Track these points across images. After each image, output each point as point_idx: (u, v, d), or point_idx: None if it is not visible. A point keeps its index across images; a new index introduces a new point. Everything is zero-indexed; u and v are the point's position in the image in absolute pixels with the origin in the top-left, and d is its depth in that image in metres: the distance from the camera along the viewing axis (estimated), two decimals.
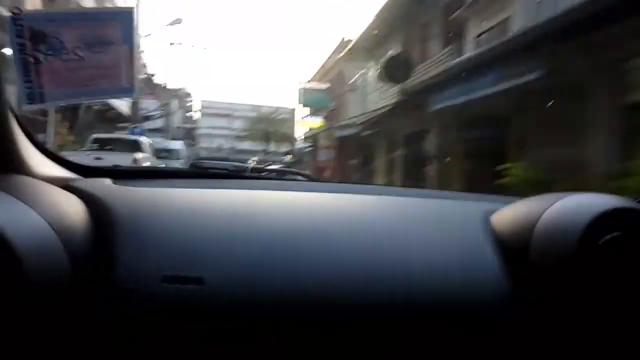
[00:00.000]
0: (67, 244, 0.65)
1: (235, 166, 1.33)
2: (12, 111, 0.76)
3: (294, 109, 49.43)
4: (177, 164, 16.78)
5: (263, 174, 1.42)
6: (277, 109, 43.79)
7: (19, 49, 0.73)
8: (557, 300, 0.68)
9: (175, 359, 0.69)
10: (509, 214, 0.82)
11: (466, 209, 0.92)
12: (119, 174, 1.00)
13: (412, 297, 0.71)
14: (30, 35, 0.72)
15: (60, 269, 0.63)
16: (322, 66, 30.51)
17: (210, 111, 53.25)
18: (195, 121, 56.02)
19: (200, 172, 1.24)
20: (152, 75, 29.13)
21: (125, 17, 0.76)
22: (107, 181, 0.94)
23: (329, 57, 30.07)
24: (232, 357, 0.70)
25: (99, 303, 0.68)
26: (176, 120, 60.39)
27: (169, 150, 18.62)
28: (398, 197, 0.99)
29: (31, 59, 0.74)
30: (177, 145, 19.78)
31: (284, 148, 44.24)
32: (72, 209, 0.76)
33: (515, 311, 0.71)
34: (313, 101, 25.92)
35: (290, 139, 42.80)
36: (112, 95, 0.84)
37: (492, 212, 0.85)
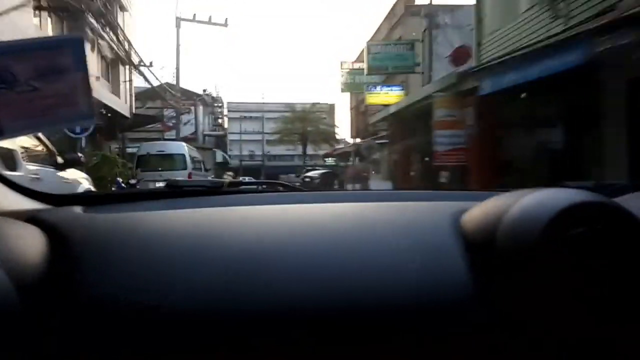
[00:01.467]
0: (16, 278, 0.64)
1: (212, 182, 1.22)
2: None
3: (333, 105, 43.93)
4: (180, 175, 11.39)
5: (241, 187, 1.32)
6: (314, 104, 38.05)
7: None
8: (522, 298, 0.69)
9: None
10: (477, 213, 0.82)
11: (437, 209, 0.93)
12: (92, 200, 1.02)
13: (377, 305, 0.72)
14: None
15: (8, 305, 0.62)
16: (372, 39, 24.88)
17: (238, 114, 48.26)
18: (225, 127, 51.52)
19: (177, 191, 1.17)
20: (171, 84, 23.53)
21: (75, 43, 0.77)
22: (77, 209, 0.92)
23: (379, 28, 24.49)
24: None
25: (54, 337, 0.67)
26: (205, 127, 56.85)
27: (163, 157, 12.97)
28: (372, 203, 1.02)
29: None
30: (179, 148, 13.61)
31: (323, 150, 39.34)
32: (29, 242, 0.76)
33: (482, 312, 0.72)
34: (390, 60, 16.97)
35: (331, 138, 37.62)
36: (72, 123, 0.84)
37: (463, 211, 0.86)
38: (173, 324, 0.68)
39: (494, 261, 0.71)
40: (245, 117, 47.53)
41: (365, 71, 18.06)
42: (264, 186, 1.51)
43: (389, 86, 18.99)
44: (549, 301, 0.65)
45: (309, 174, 24.95)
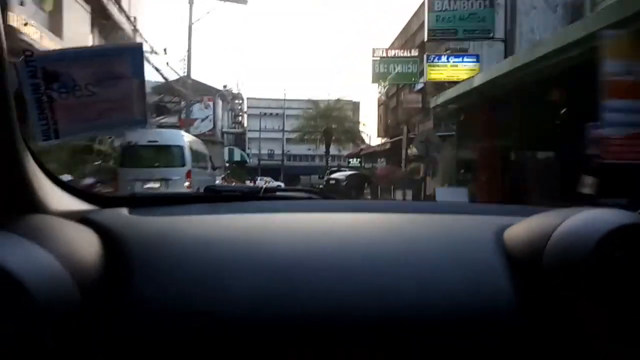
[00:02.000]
0: (78, 279, 0.67)
1: (249, 188, 1.32)
2: (28, 148, 0.81)
3: (357, 102, 41.31)
4: (176, 174, 8.93)
5: (276, 193, 1.31)
6: (337, 100, 35.41)
7: (33, 89, 0.77)
8: (570, 318, 0.69)
9: None
10: (522, 230, 0.82)
11: (479, 224, 0.92)
12: (135, 202, 1.03)
13: (420, 320, 0.72)
14: (43, 75, 0.77)
15: (71, 302, 0.66)
16: (404, 30, 22.27)
17: (258, 111, 45.96)
18: (244, 125, 49.36)
19: (215, 195, 1.19)
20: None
21: (135, 52, 0.80)
22: (124, 211, 0.96)
23: (412, 18, 21.90)
24: None
25: (109, 337, 0.70)
26: (224, 124, 54.88)
27: (156, 149, 9.92)
28: (409, 215, 1.01)
29: (45, 98, 0.77)
30: (176, 138, 10.65)
31: (347, 150, 36.76)
32: (85, 243, 0.79)
33: (528, 331, 0.71)
34: (461, 21, 12.04)
35: (356, 137, 35.02)
36: (125, 127, 0.89)
37: (506, 227, 0.86)
38: (218, 329, 0.70)
39: (539, 280, 0.70)
40: (265, 114, 45.19)
41: (425, 36, 13.22)
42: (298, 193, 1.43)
43: (459, 56, 14.09)
44: (597, 322, 0.65)
45: (334, 175, 22.27)
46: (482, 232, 0.85)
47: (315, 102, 35.99)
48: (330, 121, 33.46)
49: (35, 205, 0.82)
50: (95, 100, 0.78)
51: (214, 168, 11.69)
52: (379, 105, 34.65)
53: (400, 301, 0.72)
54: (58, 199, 0.89)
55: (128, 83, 0.79)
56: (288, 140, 42.93)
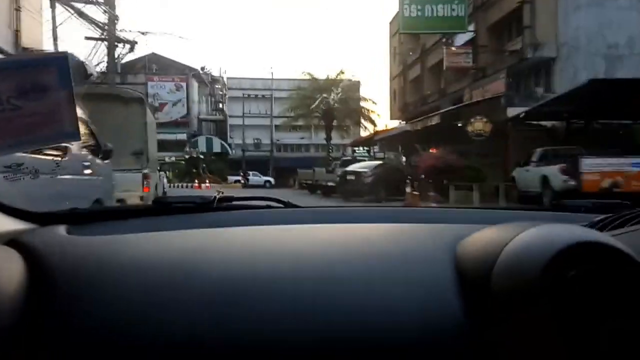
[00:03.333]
0: None
1: (202, 198, 1.15)
2: None
3: (358, 82, 34.11)
4: None
5: (232, 203, 1.23)
6: (340, 73, 28.36)
7: None
8: (518, 340, 0.67)
9: None
10: (473, 245, 0.81)
11: (436, 235, 0.92)
12: (76, 219, 0.99)
13: (367, 338, 0.71)
14: None
15: None
16: None
17: (241, 93, 38.65)
18: (225, 112, 42.17)
19: (164, 208, 1.14)
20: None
21: (61, 61, 0.77)
22: (61, 230, 0.91)
23: None
24: None
25: None
26: (200, 110, 47.44)
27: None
28: (369, 225, 1.02)
29: None
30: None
31: (351, 138, 29.97)
32: (9, 271, 0.72)
33: (475, 350, 0.71)
34: None
35: (365, 118, 28.22)
36: (56, 141, 0.83)
37: (462, 238, 0.85)
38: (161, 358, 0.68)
39: (489, 301, 0.69)
40: (249, 96, 37.96)
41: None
42: (257, 202, 1.31)
43: None
44: (544, 347, 0.64)
45: (353, 167, 15.09)
46: (437, 246, 0.85)
47: (311, 77, 28.90)
48: (330, 99, 26.36)
49: None
50: (20, 115, 0.73)
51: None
52: (391, 79, 27.97)
53: (349, 324, 0.71)
54: None
55: (56, 94, 0.75)
56: (277, 127, 35.96)
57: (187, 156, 34.49)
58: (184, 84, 37.82)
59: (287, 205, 1.27)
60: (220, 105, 45.35)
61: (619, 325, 0.62)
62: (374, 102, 29.21)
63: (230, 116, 38.73)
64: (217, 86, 47.79)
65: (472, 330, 0.70)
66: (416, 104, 21.91)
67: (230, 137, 38.15)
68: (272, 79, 38.22)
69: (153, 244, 0.86)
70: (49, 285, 0.72)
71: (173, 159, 34.23)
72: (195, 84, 40.11)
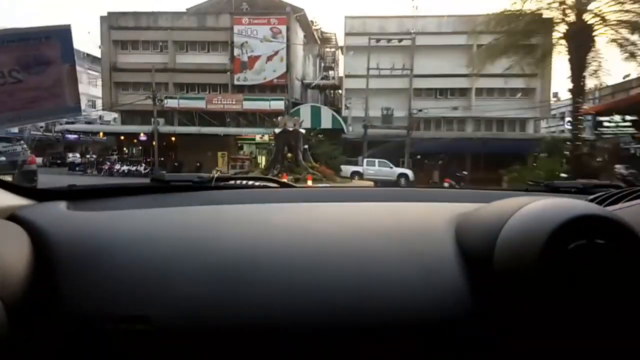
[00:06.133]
0: (3, 290, 0.64)
1: (199, 177, 1.12)
2: None
3: None
4: None
5: (230, 182, 1.23)
6: None
7: None
8: (521, 312, 0.68)
9: None
10: (474, 219, 0.81)
11: (436, 212, 0.90)
12: (75, 195, 0.99)
13: (371, 315, 0.71)
14: None
15: None
16: None
17: (364, 39, 25.75)
18: (335, 78, 30.12)
19: (163, 186, 1.10)
20: None
21: (64, 34, 0.75)
22: (61, 205, 0.91)
23: None
24: None
25: (42, 347, 0.68)
26: (307, 72, 35.89)
27: None
28: (367, 204, 0.99)
29: None
30: None
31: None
32: (13, 243, 0.74)
33: (478, 325, 0.71)
34: None
35: None
36: (58, 116, 0.82)
37: (461, 215, 0.84)
38: (159, 336, 0.68)
39: (492, 276, 0.69)
40: (378, 43, 25.13)
41: None
42: (254, 182, 1.33)
43: None
44: (547, 318, 0.65)
45: None
46: (437, 220, 0.83)
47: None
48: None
49: None
50: (22, 88, 0.72)
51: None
52: None
53: (351, 298, 0.70)
54: None
55: (58, 68, 0.74)
56: (417, 92, 23.04)
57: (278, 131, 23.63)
58: (284, 29, 26.23)
59: (283, 185, 1.28)
60: (332, 73, 33.39)
61: (619, 296, 0.61)
62: None
63: (347, 76, 26.39)
64: (327, 46, 36.09)
65: (476, 306, 0.70)
66: None
67: (346, 106, 25.87)
68: (415, 16, 25.07)
69: (152, 219, 0.86)
70: (50, 259, 0.73)
71: (266, 137, 23.33)
72: (299, 31, 28.36)
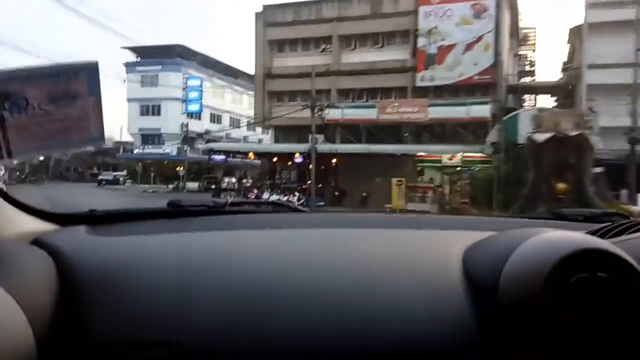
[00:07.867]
0: (31, 314, 0.65)
1: (214, 202, 1.19)
2: None
3: None
4: None
5: (245, 207, 1.32)
6: None
7: None
8: (525, 343, 0.69)
9: None
10: (481, 250, 0.83)
11: (446, 241, 0.92)
12: (95, 220, 1.02)
13: (378, 344, 0.73)
14: None
15: (22, 338, 0.63)
16: None
17: (611, 14, 16.95)
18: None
19: (178, 210, 1.14)
20: None
21: (91, 70, 0.80)
22: (82, 230, 0.94)
23: None
24: None
25: None
26: (507, 66, 26.49)
27: None
28: (379, 230, 1.02)
29: None
30: None
31: None
32: (37, 267, 0.77)
33: (484, 356, 0.73)
34: None
35: None
36: (82, 146, 0.87)
37: (469, 244, 0.87)
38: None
39: (498, 307, 0.71)
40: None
41: None
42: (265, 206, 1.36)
43: None
44: (551, 349, 0.66)
45: None
46: (445, 250, 0.85)
47: None
48: None
49: None
50: (50, 120, 0.77)
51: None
52: None
53: (358, 328, 0.72)
54: (9, 218, 0.87)
55: (84, 101, 0.79)
56: None
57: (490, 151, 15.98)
58: (491, 4, 18.70)
59: (294, 210, 1.32)
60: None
61: (621, 329, 0.63)
62: None
63: (590, 66, 17.63)
64: (524, 45, 27.58)
65: (482, 336, 0.72)
66: None
67: (591, 110, 17.02)
68: None
69: (170, 244, 0.89)
70: (74, 284, 0.75)
71: (458, 157, 16.02)
72: (506, 16, 20.46)
